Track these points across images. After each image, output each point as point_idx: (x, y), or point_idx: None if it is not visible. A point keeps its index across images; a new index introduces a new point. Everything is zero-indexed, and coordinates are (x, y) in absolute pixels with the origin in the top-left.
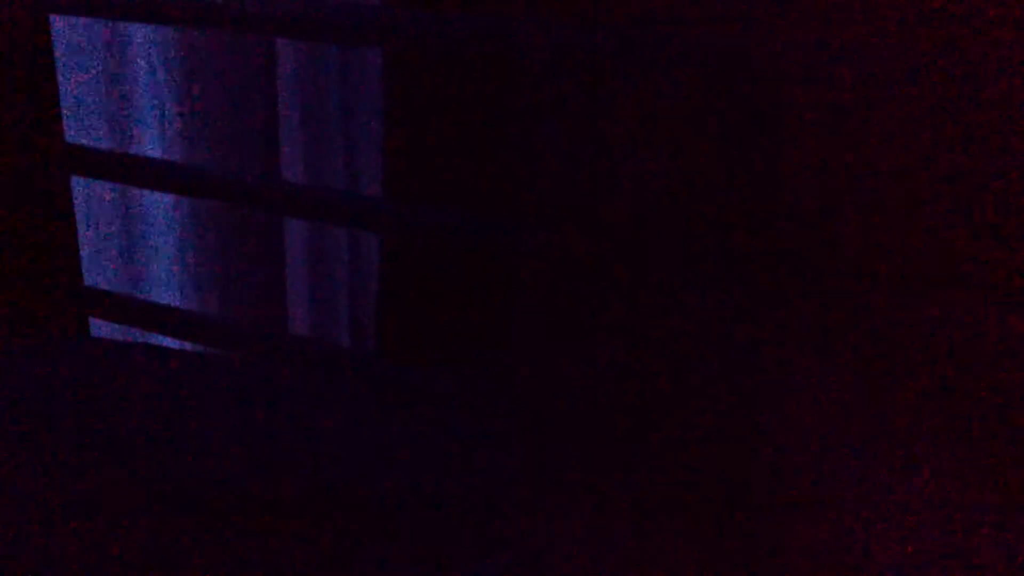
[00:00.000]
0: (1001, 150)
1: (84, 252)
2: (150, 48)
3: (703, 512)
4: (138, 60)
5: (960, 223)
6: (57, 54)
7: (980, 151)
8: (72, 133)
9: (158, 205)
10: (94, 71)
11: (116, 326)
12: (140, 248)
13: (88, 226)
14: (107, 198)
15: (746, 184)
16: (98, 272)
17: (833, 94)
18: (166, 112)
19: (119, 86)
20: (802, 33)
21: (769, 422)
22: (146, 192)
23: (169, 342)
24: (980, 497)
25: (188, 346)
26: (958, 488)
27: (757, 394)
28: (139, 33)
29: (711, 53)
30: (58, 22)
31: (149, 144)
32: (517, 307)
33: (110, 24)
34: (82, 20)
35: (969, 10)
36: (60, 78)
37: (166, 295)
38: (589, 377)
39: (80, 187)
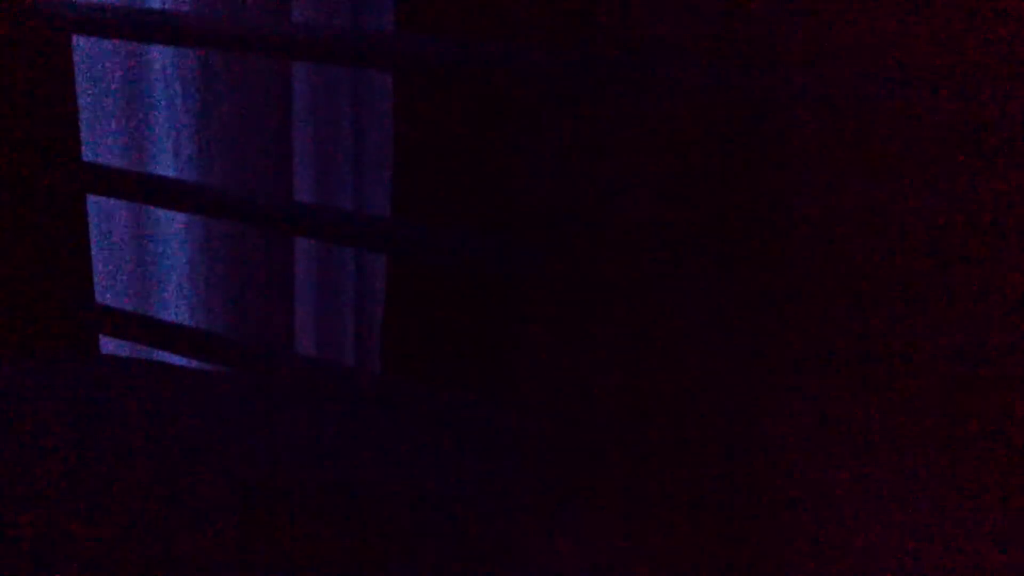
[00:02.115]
0: (1000, 152)
1: (97, 270)
2: (168, 70)
3: (702, 512)
4: (156, 82)
5: (960, 225)
6: (76, 74)
7: (979, 152)
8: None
9: (170, 224)
10: (112, 92)
11: (126, 344)
12: (152, 266)
13: (101, 244)
14: (121, 216)
15: (746, 192)
16: (109, 290)
17: (832, 99)
18: (182, 133)
19: (137, 107)
20: (799, 46)
21: (769, 424)
22: (159, 211)
23: (178, 360)
24: (980, 497)
25: (197, 364)
26: (958, 489)
27: (757, 396)
28: (157, 55)
29: (711, 74)
30: (79, 43)
31: (164, 164)
32: (522, 323)
33: (130, 45)
34: (103, 41)
35: (969, 25)
36: (79, 98)
37: (176, 313)
38: (591, 382)
39: (94, 205)
